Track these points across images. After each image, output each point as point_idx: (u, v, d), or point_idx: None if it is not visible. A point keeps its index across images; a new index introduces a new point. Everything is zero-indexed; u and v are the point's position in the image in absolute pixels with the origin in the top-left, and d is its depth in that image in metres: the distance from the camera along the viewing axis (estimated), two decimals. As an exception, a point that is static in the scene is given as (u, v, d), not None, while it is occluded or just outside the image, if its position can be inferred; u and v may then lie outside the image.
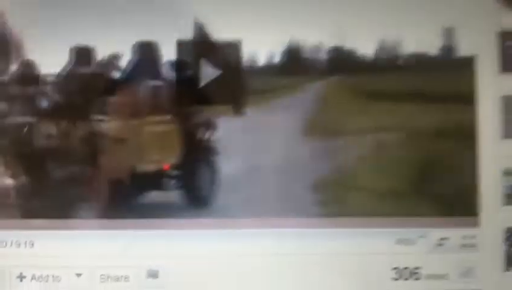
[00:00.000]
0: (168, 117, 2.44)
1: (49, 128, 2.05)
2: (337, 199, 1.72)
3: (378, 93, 2.10)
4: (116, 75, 2.26)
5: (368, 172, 1.69)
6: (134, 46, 2.55)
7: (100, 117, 2.21)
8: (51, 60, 2.33)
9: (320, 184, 1.95)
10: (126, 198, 2.10)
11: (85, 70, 2.16)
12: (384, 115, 1.79)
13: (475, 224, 1.08)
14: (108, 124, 2.22)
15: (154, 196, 2.44)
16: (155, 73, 2.55)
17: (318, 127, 2.54)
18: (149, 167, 2.21)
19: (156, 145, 2.31)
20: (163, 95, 2.46)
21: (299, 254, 0.76)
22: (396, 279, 0.71)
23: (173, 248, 0.69)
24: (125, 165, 2.16)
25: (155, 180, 2.30)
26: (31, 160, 1.94)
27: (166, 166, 2.50)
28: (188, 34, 2.59)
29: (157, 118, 2.39)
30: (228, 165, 2.90)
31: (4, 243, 0.63)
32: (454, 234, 0.86)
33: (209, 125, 2.81)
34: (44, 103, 2.01)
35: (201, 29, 2.67)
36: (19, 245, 0.63)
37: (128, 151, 2.17)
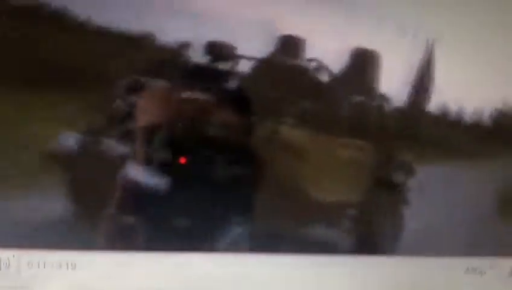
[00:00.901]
0: (365, 143, 1.86)
1: (227, 117, 1.86)
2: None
3: None
4: (324, 77, 1.78)
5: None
6: (352, 50, 1.87)
7: (288, 119, 1.76)
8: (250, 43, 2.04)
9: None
10: (285, 230, 1.74)
11: (290, 61, 1.70)
12: None
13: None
14: (293, 131, 1.76)
15: (320, 231, 1.93)
16: (365, 87, 1.87)
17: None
18: (325, 196, 1.74)
19: (340, 173, 1.80)
20: (369, 115, 1.87)
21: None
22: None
23: (224, 270, 0.65)
24: (294, 187, 1.74)
25: (327, 214, 1.80)
26: (192, 148, 1.62)
27: None
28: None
29: (353, 140, 1.84)
30: (413, 218, 2.26)
31: (43, 265, 0.63)
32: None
33: (409, 169, 2.07)
34: (231, 86, 1.68)
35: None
36: (60, 267, 0.62)
37: (305, 169, 1.73)
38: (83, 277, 1.01)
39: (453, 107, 3.10)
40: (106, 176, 1.65)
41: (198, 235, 1.54)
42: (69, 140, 1.83)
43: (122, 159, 1.66)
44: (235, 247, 1.61)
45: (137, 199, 1.63)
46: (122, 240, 1.60)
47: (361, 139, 1.99)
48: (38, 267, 0.99)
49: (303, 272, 1.33)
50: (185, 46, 1.95)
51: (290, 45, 1.99)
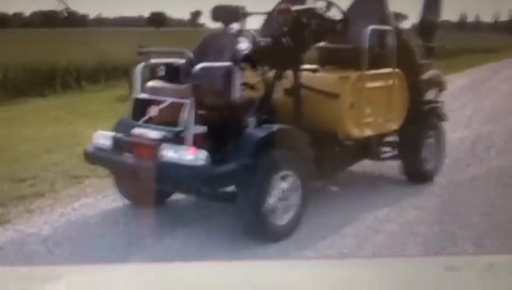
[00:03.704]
0: (391, 70, 1.84)
1: (250, 76, 1.76)
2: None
3: None
4: (336, 15, 1.71)
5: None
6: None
7: (310, 66, 1.77)
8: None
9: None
10: (331, 166, 1.77)
11: (298, 7, 1.68)
12: None
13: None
14: (318, 76, 1.76)
15: (364, 164, 2.02)
16: (379, 16, 1.85)
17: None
18: (365, 131, 1.76)
19: (375, 105, 1.78)
20: (388, 42, 1.81)
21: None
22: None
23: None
24: (335, 127, 1.75)
25: (368, 147, 1.82)
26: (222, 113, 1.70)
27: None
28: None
29: (378, 71, 1.82)
30: (453, 134, 2.42)
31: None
32: (504, 260, 0.74)
33: (440, 84, 2.02)
34: (246, 46, 1.67)
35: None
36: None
37: (341, 110, 1.72)
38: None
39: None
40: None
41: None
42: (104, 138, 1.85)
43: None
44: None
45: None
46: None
47: (387, 66, 1.88)
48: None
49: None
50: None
51: None
